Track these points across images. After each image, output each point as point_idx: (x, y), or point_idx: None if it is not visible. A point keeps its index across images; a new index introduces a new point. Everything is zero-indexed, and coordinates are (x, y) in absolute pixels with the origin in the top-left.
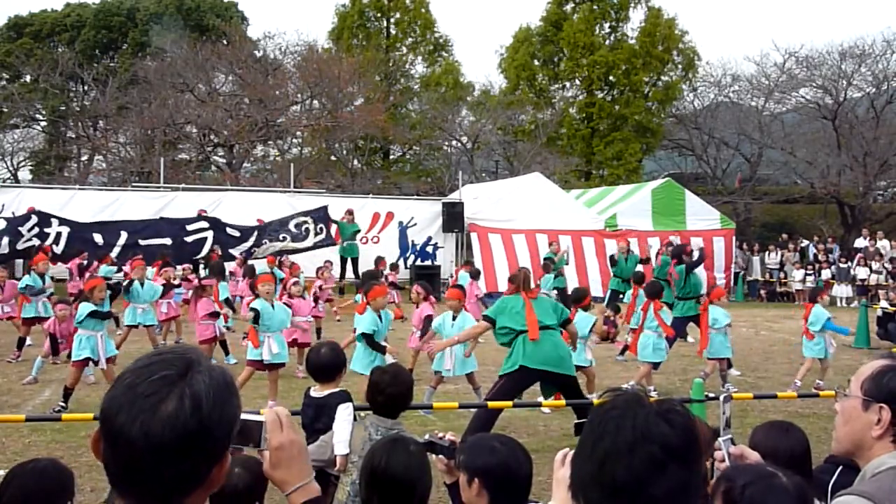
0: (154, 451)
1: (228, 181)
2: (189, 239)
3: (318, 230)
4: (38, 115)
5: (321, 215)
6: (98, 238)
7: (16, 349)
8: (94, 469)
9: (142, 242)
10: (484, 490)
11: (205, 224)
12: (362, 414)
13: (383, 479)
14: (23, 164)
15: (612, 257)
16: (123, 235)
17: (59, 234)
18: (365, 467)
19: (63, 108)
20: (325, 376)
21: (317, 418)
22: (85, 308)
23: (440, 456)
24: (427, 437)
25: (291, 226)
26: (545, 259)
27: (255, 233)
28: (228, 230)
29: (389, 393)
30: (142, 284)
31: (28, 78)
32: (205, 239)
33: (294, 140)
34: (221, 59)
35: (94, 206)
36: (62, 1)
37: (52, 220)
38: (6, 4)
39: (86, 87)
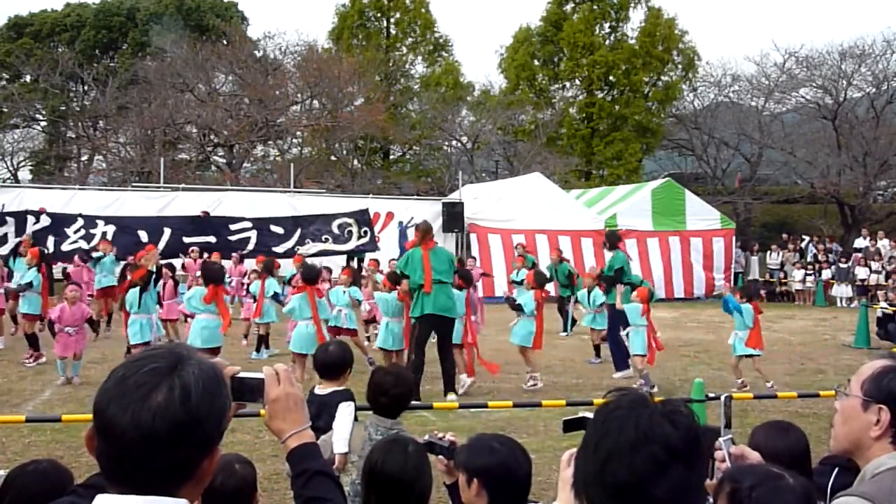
0: (145, 442)
1: (228, 181)
2: (233, 238)
3: (361, 233)
4: (38, 115)
5: (364, 218)
6: (143, 235)
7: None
8: (94, 469)
9: (186, 240)
10: (483, 490)
11: (248, 224)
12: (362, 415)
13: (380, 478)
14: (23, 164)
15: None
16: (167, 232)
17: (104, 234)
18: (364, 467)
19: (63, 108)
20: (330, 374)
21: (318, 416)
22: (134, 293)
23: (440, 456)
24: (427, 437)
25: (334, 226)
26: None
27: (299, 231)
28: (272, 227)
29: (393, 394)
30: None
31: (28, 78)
32: (248, 238)
33: (294, 140)
34: (221, 59)
35: (95, 206)
36: (62, 1)
37: (98, 220)
38: (6, 4)
39: (86, 87)
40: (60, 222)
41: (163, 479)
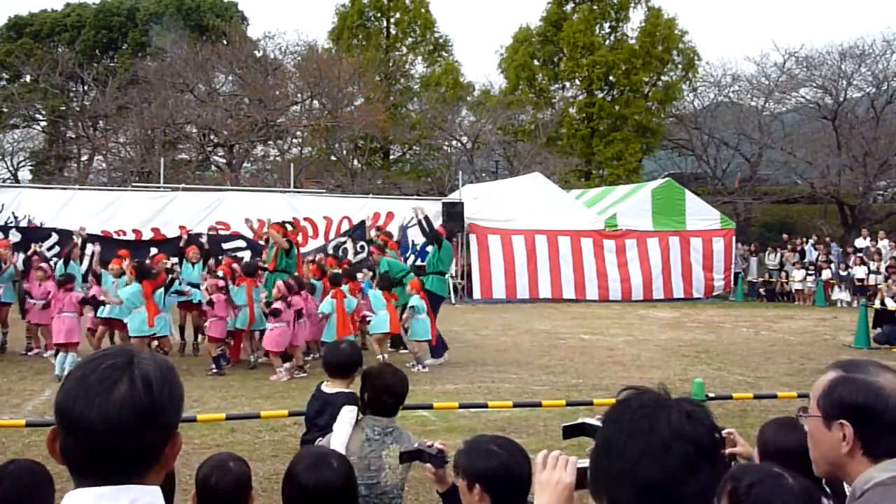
0: (113, 433)
1: (228, 181)
2: (223, 257)
3: (357, 249)
4: (38, 115)
5: (359, 233)
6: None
7: None
8: None
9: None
10: (486, 494)
11: (242, 243)
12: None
13: (314, 496)
14: (23, 164)
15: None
16: (153, 252)
17: (91, 254)
18: (289, 486)
19: (63, 108)
20: (339, 373)
21: (320, 413)
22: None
23: (428, 465)
24: (416, 444)
25: (329, 248)
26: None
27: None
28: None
29: (400, 394)
30: None
31: (28, 78)
32: (241, 259)
33: (294, 140)
34: (221, 59)
35: (95, 206)
36: (62, 1)
37: (74, 237)
38: (6, 4)
39: (86, 87)
40: (32, 237)
41: (130, 467)
